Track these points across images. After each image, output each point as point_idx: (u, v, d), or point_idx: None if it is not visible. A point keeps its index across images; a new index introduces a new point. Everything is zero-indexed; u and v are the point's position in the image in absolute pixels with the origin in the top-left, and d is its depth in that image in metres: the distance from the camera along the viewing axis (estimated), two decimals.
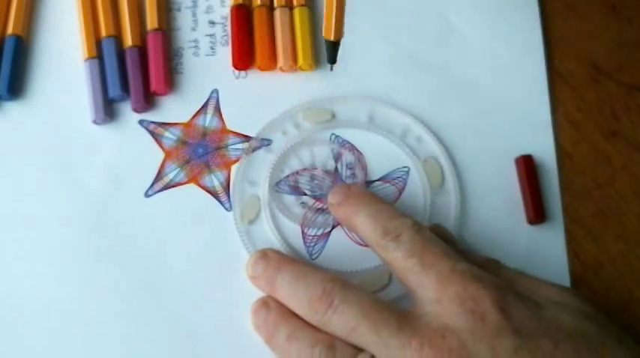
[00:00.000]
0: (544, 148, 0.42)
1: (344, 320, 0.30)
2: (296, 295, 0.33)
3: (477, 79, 0.44)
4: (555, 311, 0.28)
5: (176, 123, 0.43)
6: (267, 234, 0.40)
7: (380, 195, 0.38)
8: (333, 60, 0.37)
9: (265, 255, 0.36)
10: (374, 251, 0.34)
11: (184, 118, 0.43)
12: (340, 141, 0.42)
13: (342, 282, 0.32)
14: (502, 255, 0.37)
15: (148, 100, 0.43)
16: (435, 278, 0.29)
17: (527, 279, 0.32)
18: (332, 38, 0.36)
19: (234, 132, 0.43)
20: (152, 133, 0.43)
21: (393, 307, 0.30)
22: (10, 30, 0.44)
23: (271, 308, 0.34)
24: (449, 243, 0.33)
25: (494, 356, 0.27)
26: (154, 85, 0.43)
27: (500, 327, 0.27)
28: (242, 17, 0.45)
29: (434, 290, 0.29)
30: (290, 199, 0.41)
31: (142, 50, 0.44)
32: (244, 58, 0.44)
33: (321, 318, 0.31)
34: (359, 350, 0.30)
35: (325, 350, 0.30)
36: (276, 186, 0.41)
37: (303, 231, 0.40)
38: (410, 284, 0.30)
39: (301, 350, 0.31)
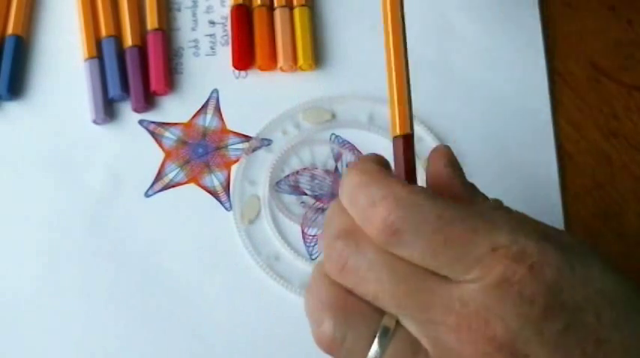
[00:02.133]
0: (544, 148, 0.42)
1: (364, 287, 0.26)
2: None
3: (477, 79, 0.44)
4: (591, 269, 0.26)
5: (176, 123, 0.43)
6: (267, 234, 0.40)
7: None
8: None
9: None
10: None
11: (184, 118, 0.43)
12: (340, 141, 0.42)
13: (355, 240, 0.26)
14: None
15: (148, 100, 0.43)
16: (475, 262, 0.25)
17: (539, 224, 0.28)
18: (398, 132, 0.29)
19: (234, 132, 0.43)
20: (152, 133, 0.43)
21: (420, 273, 0.25)
22: (10, 30, 0.44)
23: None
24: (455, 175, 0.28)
25: (542, 341, 0.24)
26: (154, 84, 0.43)
27: (548, 307, 0.25)
28: (242, 17, 0.45)
29: (475, 273, 0.25)
30: (290, 199, 0.41)
31: (141, 50, 0.44)
32: (244, 58, 0.44)
33: (337, 276, 0.27)
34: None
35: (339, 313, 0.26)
36: (276, 185, 0.41)
37: (303, 231, 0.40)
38: (439, 267, 0.26)
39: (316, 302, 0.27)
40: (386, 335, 0.26)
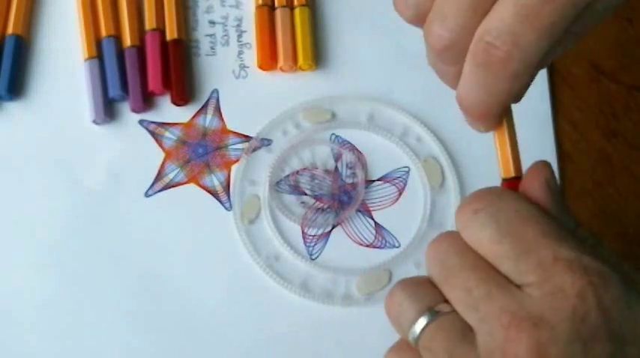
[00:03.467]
0: (544, 148, 0.42)
1: (438, 266, 0.28)
2: None
3: None
4: None
5: (176, 123, 0.43)
6: (267, 234, 0.40)
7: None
8: None
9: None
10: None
11: (184, 118, 0.43)
12: (340, 141, 0.42)
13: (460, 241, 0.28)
14: None
15: (147, 101, 0.43)
16: (535, 265, 0.26)
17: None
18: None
19: (234, 132, 0.43)
20: (152, 133, 0.43)
21: (494, 270, 0.27)
22: (10, 30, 0.44)
23: None
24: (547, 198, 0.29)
25: None
26: (152, 84, 0.43)
27: (598, 329, 0.25)
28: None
29: (534, 277, 0.26)
30: (290, 199, 0.41)
31: (141, 50, 0.44)
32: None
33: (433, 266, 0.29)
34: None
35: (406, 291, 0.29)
36: (276, 185, 0.41)
37: (303, 231, 0.40)
38: (503, 269, 0.27)
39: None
40: (437, 313, 0.28)
